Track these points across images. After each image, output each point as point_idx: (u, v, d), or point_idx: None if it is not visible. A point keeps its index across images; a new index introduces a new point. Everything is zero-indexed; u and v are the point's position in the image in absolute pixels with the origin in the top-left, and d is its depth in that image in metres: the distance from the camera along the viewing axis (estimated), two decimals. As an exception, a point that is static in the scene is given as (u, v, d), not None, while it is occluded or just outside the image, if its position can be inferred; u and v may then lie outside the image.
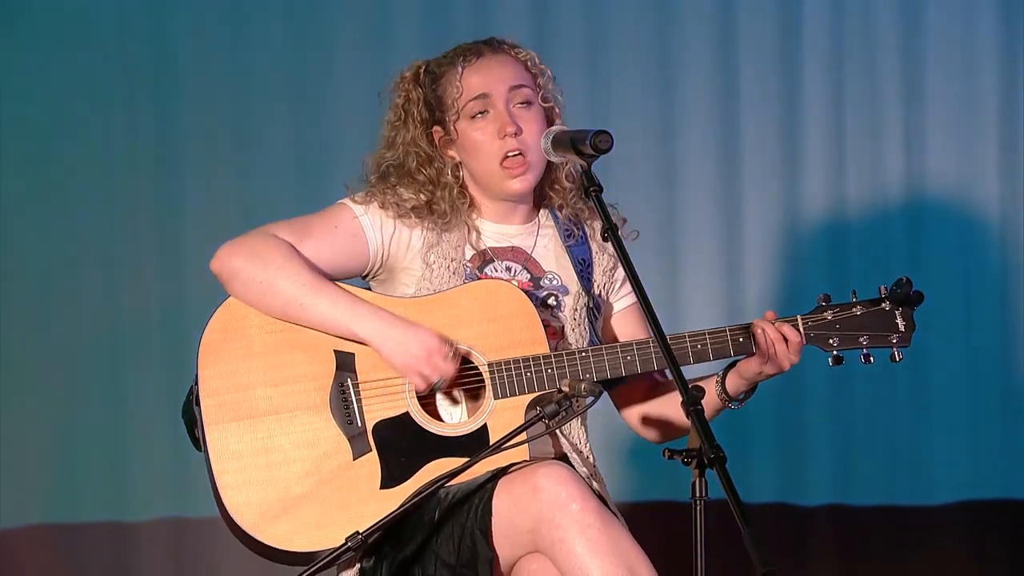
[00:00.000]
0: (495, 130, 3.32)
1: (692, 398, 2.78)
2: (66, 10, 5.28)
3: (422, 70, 3.42)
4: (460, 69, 3.35)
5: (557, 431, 3.30)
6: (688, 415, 2.78)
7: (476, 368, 3.25)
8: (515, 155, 3.32)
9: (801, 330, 3.30)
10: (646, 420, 3.47)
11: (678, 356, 3.24)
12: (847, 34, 5.38)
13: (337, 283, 3.26)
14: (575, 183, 3.43)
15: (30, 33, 5.27)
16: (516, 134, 3.31)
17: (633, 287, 2.95)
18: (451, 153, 3.39)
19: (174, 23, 5.31)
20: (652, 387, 3.48)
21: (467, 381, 3.26)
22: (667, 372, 3.42)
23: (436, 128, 3.39)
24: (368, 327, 3.20)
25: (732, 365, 3.35)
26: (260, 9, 5.33)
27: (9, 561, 5.20)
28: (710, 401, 3.29)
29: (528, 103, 3.35)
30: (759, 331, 3.27)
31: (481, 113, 3.34)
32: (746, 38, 5.37)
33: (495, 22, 5.29)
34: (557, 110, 3.40)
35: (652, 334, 2.95)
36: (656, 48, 5.38)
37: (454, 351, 3.20)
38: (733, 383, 3.34)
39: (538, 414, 3.03)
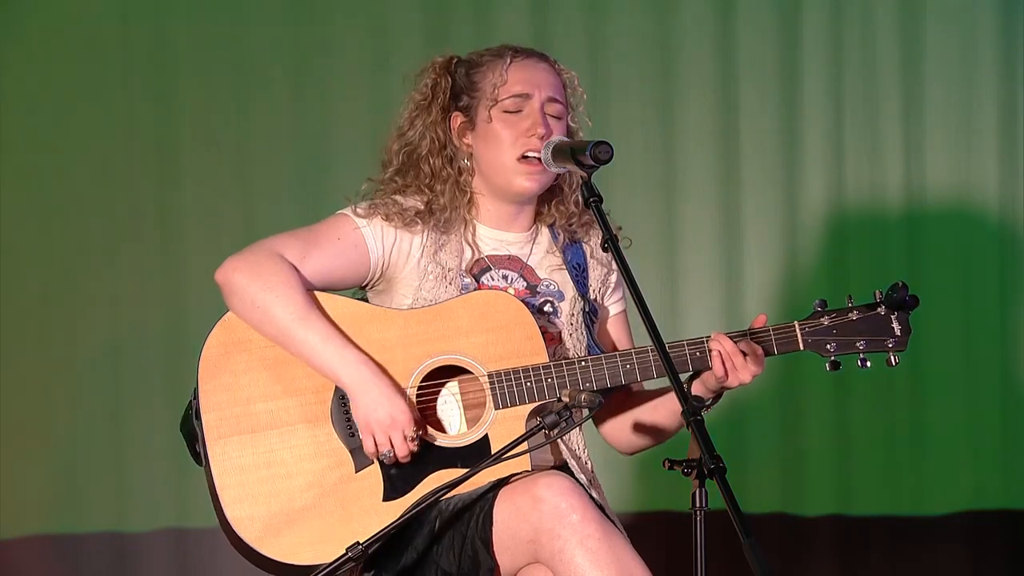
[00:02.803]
0: (525, 127, 3.34)
1: (692, 409, 2.79)
2: (66, 23, 5.29)
3: (455, 61, 3.45)
4: (508, 60, 3.38)
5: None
6: (688, 426, 2.79)
7: (476, 379, 3.26)
8: (535, 158, 3.34)
9: (799, 336, 3.31)
10: (620, 427, 3.47)
11: (642, 369, 3.26)
12: (847, 41, 5.39)
13: (332, 320, 3.25)
14: (580, 209, 3.45)
15: (31, 46, 5.28)
16: (543, 136, 3.33)
17: (633, 297, 2.96)
18: (467, 141, 3.42)
19: (174, 33, 5.31)
20: (625, 397, 3.49)
21: (467, 391, 3.27)
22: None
23: (456, 114, 3.41)
24: (350, 376, 3.20)
25: (696, 375, 3.34)
26: (260, 19, 5.34)
27: (10, 572, 5.20)
28: (675, 412, 3.28)
29: (559, 117, 3.38)
30: (715, 346, 3.26)
31: (516, 111, 3.36)
32: (746, 45, 5.38)
33: (495, 25, 5.31)
34: (581, 135, 3.43)
35: (654, 344, 2.95)
36: (656, 56, 5.39)
37: (417, 435, 3.19)
38: (697, 392, 3.33)
39: (538, 424, 3.04)
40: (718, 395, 3.34)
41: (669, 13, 5.38)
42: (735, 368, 3.25)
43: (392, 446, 3.17)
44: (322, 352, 3.21)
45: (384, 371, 3.22)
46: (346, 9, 5.36)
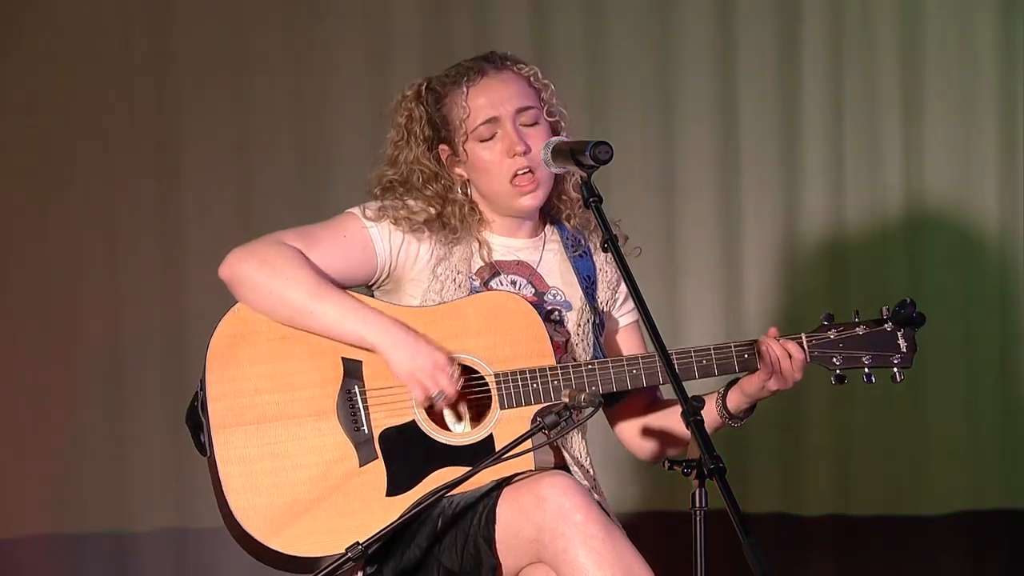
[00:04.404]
0: (504, 149, 3.34)
1: (692, 409, 2.79)
2: (66, 21, 5.29)
3: (423, 87, 3.43)
4: (465, 89, 3.36)
5: (559, 443, 3.32)
6: (688, 426, 2.79)
7: (483, 378, 3.26)
8: (524, 172, 3.34)
9: (805, 348, 3.31)
10: (642, 434, 3.48)
11: (683, 371, 3.26)
12: (846, 43, 5.39)
13: (346, 290, 3.27)
14: (580, 193, 3.44)
15: (31, 45, 5.28)
16: (525, 152, 3.33)
17: (633, 298, 2.96)
18: (459, 171, 3.41)
19: (175, 34, 5.31)
20: (648, 404, 3.49)
21: (473, 391, 3.28)
22: (662, 388, 3.44)
23: (443, 147, 3.41)
24: (378, 333, 3.21)
25: (734, 382, 3.36)
26: (260, 19, 5.34)
27: (10, 572, 5.20)
28: (710, 417, 3.28)
29: (534, 123, 3.37)
30: (764, 348, 3.28)
31: (490, 137, 3.35)
32: (746, 45, 5.38)
33: (495, 26, 5.30)
34: (563, 123, 3.42)
35: (653, 345, 2.95)
36: (656, 58, 5.39)
37: (459, 373, 3.21)
38: (735, 400, 3.34)
39: (538, 424, 3.04)
40: (751, 407, 3.35)
41: (669, 13, 5.38)
42: (780, 372, 3.27)
43: (441, 387, 3.18)
44: (344, 320, 3.22)
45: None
46: (346, 9, 5.36)
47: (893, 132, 5.38)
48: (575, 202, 3.45)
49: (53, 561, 5.24)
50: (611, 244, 3.03)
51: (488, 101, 3.35)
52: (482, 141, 3.35)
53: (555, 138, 3.31)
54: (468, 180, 3.41)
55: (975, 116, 5.38)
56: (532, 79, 3.41)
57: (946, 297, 5.32)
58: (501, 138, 3.35)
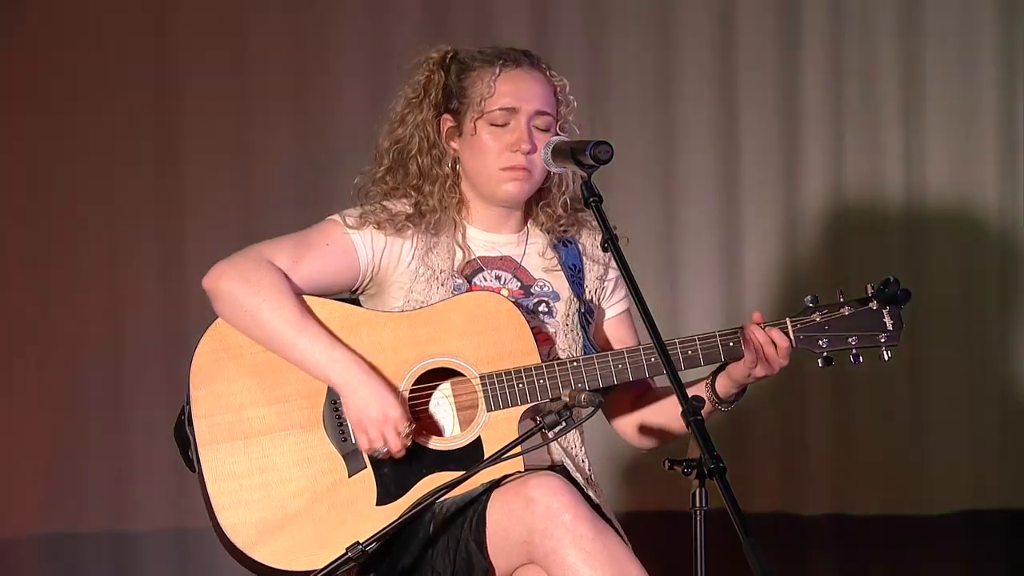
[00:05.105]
0: (511, 141, 3.34)
1: (692, 409, 2.79)
2: (66, 21, 5.29)
3: (449, 56, 3.44)
4: (497, 70, 3.36)
5: (552, 439, 3.32)
6: (688, 425, 2.79)
7: (468, 380, 3.26)
8: (519, 169, 3.34)
9: (791, 333, 3.31)
10: (637, 428, 3.47)
11: (637, 367, 3.27)
12: (846, 40, 5.39)
13: (321, 322, 3.26)
14: (568, 211, 3.45)
15: (31, 44, 5.28)
16: (528, 152, 3.34)
17: (633, 297, 2.96)
18: (454, 145, 3.42)
19: (175, 34, 5.32)
20: (641, 394, 3.49)
21: (460, 394, 3.27)
22: (656, 379, 3.43)
23: (446, 116, 3.41)
24: (340, 375, 3.21)
25: (721, 368, 3.36)
26: (260, 17, 5.34)
27: (10, 572, 5.20)
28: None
29: (546, 129, 3.37)
30: (748, 335, 3.28)
31: (503, 124, 3.36)
32: (745, 46, 5.38)
33: (495, 25, 5.31)
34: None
35: (653, 344, 2.95)
36: (656, 55, 5.40)
37: (410, 430, 3.20)
38: (723, 385, 3.35)
39: (538, 425, 3.04)
40: (741, 391, 3.35)
41: (669, 13, 5.39)
42: (765, 358, 3.26)
43: (385, 442, 3.18)
44: (311, 354, 3.22)
45: (376, 371, 3.22)
46: (346, 9, 5.36)
47: (893, 132, 5.39)
48: (558, 218, 3.45)
49: (53, 561, 5.24)
50: (611, 244, 3.03)
51: (515, 90, 3.36)
52: (492, 125, 3.36)
53: (555, 138, 3.32)
54: (458, 158, 3.41)
55: (975, 116, 5.38)
56: (559, 90, 3.42)
57: (946, 297, 5.32)
58: (512, 129, 3.35)
